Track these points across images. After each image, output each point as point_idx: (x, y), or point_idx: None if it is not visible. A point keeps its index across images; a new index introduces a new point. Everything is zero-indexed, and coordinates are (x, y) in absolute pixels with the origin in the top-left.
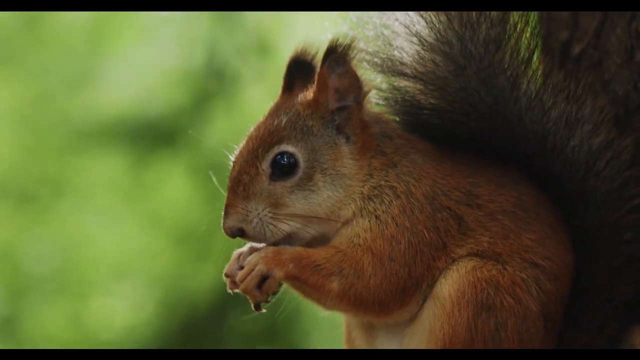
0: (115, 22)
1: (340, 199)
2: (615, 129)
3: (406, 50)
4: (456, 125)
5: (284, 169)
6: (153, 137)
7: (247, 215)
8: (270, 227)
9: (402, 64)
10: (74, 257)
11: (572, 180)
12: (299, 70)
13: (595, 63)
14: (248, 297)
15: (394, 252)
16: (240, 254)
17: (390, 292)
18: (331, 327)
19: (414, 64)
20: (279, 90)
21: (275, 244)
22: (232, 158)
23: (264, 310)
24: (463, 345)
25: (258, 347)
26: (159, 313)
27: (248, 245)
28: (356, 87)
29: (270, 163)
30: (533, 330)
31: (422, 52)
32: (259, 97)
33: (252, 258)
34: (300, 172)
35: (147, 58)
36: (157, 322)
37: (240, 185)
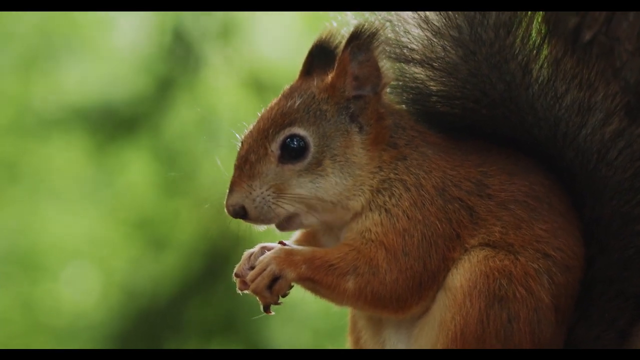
0: None
1: (349, 188)
2: (627, 118)
3: (415, 35)
4: (466, 113)
5: (293, 152)
6: (114, 123)
7: (251, 193)
8: (273, 207)
9: (410, 49)
10: (27, 242)
11: (584, 170)
12: (320, 56)
13: (606, 50)
14: (258, 298)
15: (408, 246)
16: (251, 254)
17: (407, 287)
18: (290, 318)
19: (423, 49)
20: (297, 74)
21: (279, 225)
22: (241, 137)
23: (272, 313)
24: (474, 337)
25: (217, 336)
26: (117, 300)
27: (259, 245)
28: (375, 77)
29: (280, 145)
30: (544, 322)
31: (431, 37)
32: (223, 83)
33: (263, 258)
34: (309, 157)
35: (108, 42)
36: (116, 309)
37: (247, 163)
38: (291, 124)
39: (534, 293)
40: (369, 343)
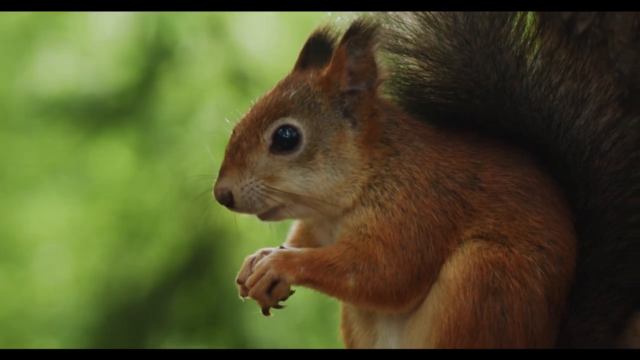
0: None
1: (340, 184)
2: (621, 109)
3: (409, 25)
4: (460, 104)
5: (285, 142)
6: (99, 115)
7: (240, 181)
8: (261, 198)
9: (405, 40)
10: (3, 232)
11: (577, 162)
12: (316, 49)
13: (600, 42)
14: (257, 302)
15: (405, 240)
16: (252, 260)
17: (406, 281)
18: (274, 312)
19: (418, 39)
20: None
21: (262, 215)
22: (233, 125)
23: (271, 314)
24: (468, 329)
25: (201, 330)
26: (100, 292)
27: (259, 250)
28: (371, 73)
29: (272, 134)
30: (538, 314)
31: (426, 26)
32: (208, 76)
33: (261, 262)
34: (301, 149)
35: (91, 35)
36: (99, 301)
37: (239, 151)
38: (285, 114)
39: (528, 285)
40: (360, 336)
